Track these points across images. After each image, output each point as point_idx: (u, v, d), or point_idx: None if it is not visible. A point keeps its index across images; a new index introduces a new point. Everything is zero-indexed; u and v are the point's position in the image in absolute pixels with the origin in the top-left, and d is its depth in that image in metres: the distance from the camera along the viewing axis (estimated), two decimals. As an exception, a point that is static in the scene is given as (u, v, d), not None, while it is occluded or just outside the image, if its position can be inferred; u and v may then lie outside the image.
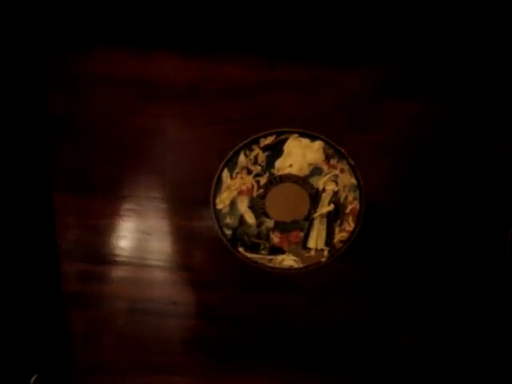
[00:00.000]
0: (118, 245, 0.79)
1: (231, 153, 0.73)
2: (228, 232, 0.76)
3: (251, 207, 0.75)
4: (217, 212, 0.75)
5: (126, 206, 0.77)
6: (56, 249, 0.80)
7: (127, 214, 0.78)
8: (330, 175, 0.73)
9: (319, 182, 0.73)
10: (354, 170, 0.73)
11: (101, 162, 0.75)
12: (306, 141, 0.72)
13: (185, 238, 0.78)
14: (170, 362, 0.86)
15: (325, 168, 0.73)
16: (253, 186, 0.74)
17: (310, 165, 0.73)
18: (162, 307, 0.82)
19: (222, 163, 0.73)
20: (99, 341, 0.86)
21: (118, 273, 0.81)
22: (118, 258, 0.80)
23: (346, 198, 0.74)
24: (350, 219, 0.75)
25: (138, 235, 0.79)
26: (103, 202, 0.77)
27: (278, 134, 0.72)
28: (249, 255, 0.77)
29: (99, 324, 0.84)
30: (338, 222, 0.75)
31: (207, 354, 0.85)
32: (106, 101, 0.72)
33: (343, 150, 0.72)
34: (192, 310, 0.82)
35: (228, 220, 0.76)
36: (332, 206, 0.74)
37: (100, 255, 0.80)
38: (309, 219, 0.75)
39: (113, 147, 0.74)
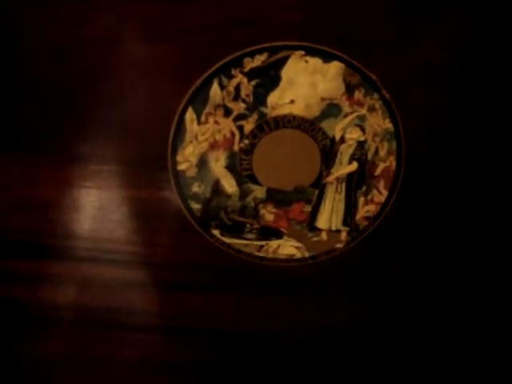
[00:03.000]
0: (36, 226, 0.54)
1: (198, 82, 0.47)
2: (196, 206, 0.52)
3: (231, 168, 0.51)
4: (178, 176, 0.51)
5: (48, 168, 0.52)
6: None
7: (48, 182, 0.52)
8: (352, 117, 0.49)
9: (336, 128, 0.49)
10: (390, 109, 0.48)
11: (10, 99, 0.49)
12: (316, 62, 0.47)
13: (134, 216, 0.54)
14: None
15: (345, 105, 0.48)
16: (233, 134, 0.50)
17: (323, 100, 0.48)
18: (104, 316, 0.58)
19: (185, 99, 0.48)
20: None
21: (37, 267, 0.56)
22: (36, 247, 0.55)
23: (377, 152, 0.50)
24: (382, 185, 0.51)
25: (66, 213, 0.53)
26: (15, 163, 0.52)
27: (273, 51, 0.47)
28: (228, 240, 0.54)
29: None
30: (364, 189, 0.52)
31: (173, 380, 0.61)
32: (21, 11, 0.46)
33: (374, 77, 0.47)
34: (148, 322, 0.58)
35: (196, 188, 0.51)
36: (355, 165, 0.51)
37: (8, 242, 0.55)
38: (319, 186, 0.52)
39: (26, 78, 0.48)
